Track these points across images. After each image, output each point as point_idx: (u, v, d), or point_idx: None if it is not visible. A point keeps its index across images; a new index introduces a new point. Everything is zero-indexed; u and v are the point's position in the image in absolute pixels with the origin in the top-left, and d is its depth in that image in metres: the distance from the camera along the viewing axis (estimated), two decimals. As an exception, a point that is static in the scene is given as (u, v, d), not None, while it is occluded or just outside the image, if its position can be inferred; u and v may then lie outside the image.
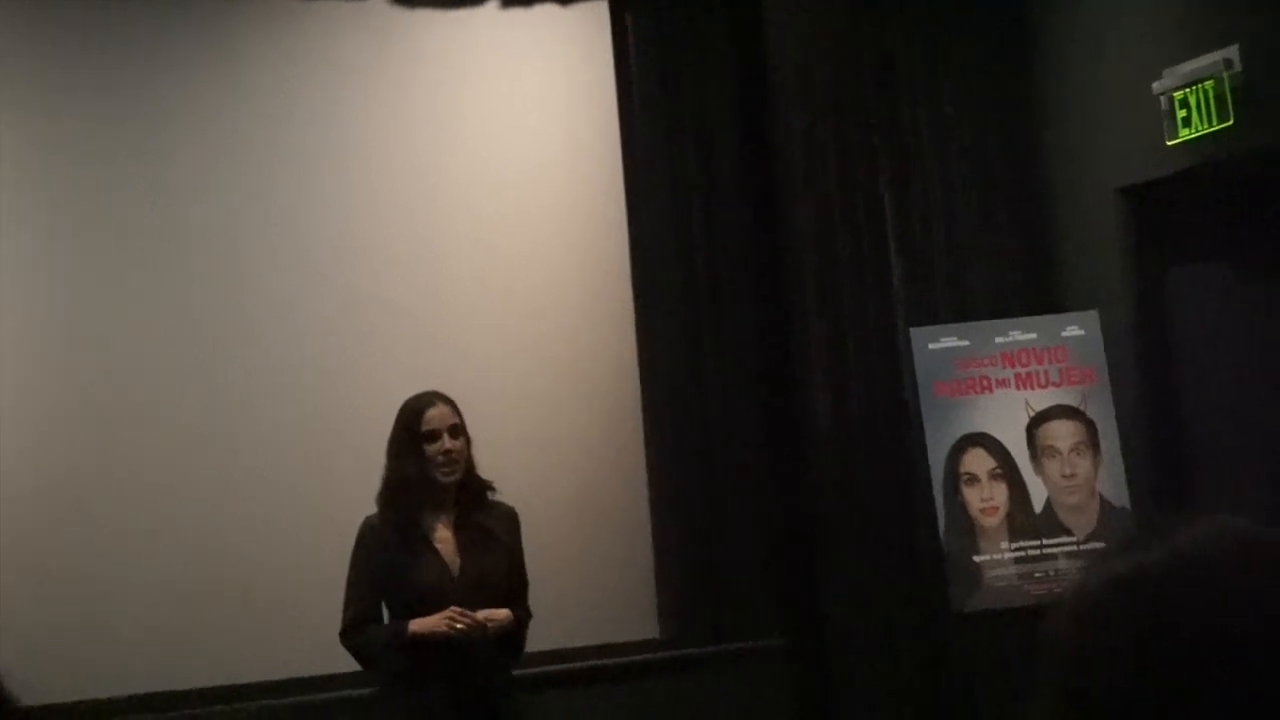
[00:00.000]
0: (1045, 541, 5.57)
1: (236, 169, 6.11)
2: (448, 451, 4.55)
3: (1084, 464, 5.62)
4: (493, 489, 4.67)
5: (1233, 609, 1.04)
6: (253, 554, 5.89)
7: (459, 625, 4.42)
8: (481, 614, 4.48)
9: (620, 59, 6.49)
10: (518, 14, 6.45)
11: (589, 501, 6.31)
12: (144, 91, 6.02)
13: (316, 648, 5.04)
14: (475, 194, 6.33)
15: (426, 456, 4.54)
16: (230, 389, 5.99)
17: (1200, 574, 1.07)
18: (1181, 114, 5.33)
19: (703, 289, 6.42)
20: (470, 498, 4.63)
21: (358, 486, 4.75)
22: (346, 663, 4.73)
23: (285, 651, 5.77)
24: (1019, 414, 5.67)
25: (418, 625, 4.46)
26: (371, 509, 4.63)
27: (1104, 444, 5.62)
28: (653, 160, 6.43)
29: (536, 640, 4.95)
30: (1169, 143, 5.44)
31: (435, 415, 4.57)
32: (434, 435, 4.55)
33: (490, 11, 6.43)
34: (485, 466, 4.69)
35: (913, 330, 5.92)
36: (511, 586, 4.66)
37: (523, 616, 4.69)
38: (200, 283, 6.02)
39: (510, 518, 4.72)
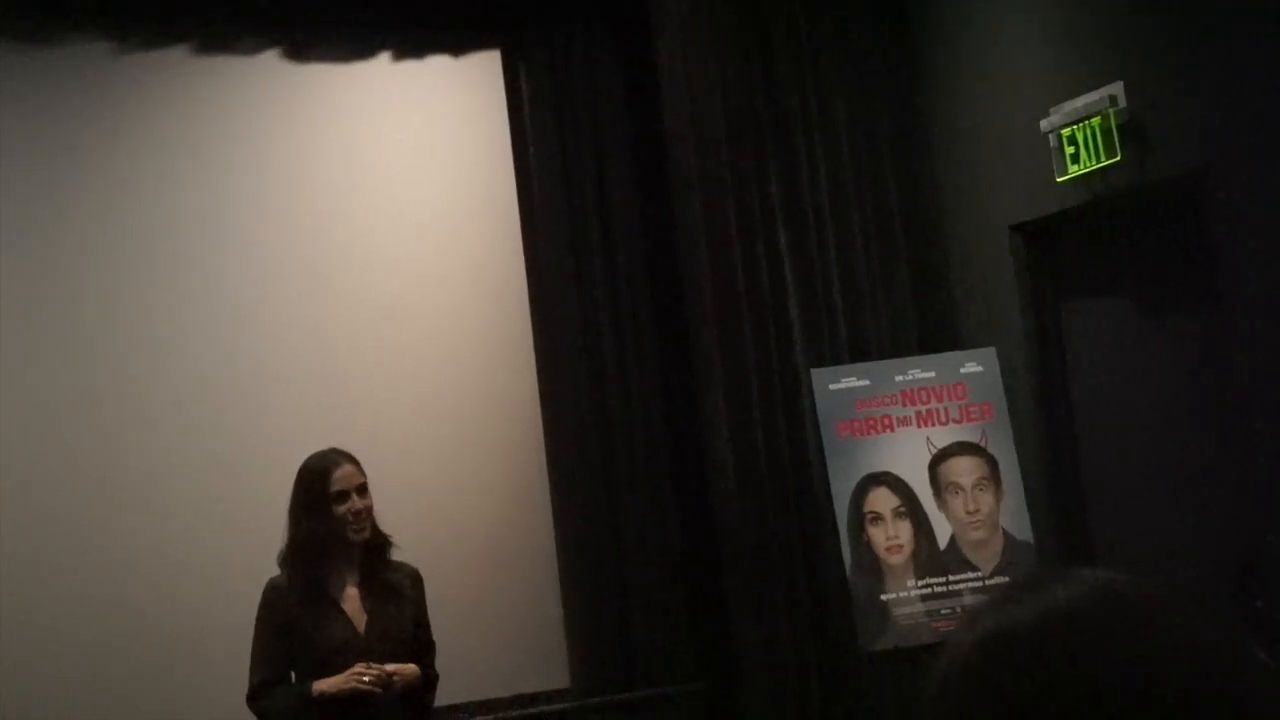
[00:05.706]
0: (951, 578, 5.59)
1: (130, 222, 6.02)
2: (358, 511, 4.49)
3: (986, 499, 5.65)
4: (394, 544, 4.61)
5: (1099, 666, 1.02)
6: (157, 617, 5.79)
7: (365, 679, 4.36)
8: (390, 667, 4.43)
9: (514, 106, 6.50)
10: (410, 65, 6.44)
11: (495, 550, 6.27)
12: (35, 146, 5.91)
13: (224, 714, 4.95)
14: (372, 244, 6.29)
15: (336, 517, 4.47)
16: (123, 444, 5.89)
17: (1068, 631, 1.04)
18: (1070, 150, 5.41)
19: (604, 334, 6.42)
20: (374, 554, 4.57)
21: (257, 543, 4.68)
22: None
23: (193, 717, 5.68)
24: (921, 452, 5.70)
25: (323, 684, 4.40)
26: (272, 569, 4.55)
27: (1005, 479, 5.66)
28: (549, 205, 6.43)
29: (447, 694, 4.90)
30: (1059, 179, 5.51)
31: (342, 475, 4.50)
32: (343, 496, 4.48)
33: (383, 64, 6.41)
34: (389, 521, 4.64)
35: (813, 371, 5.94)
36: (418, 647, 4.60)
37: (431, 676, 4.64)
38: (93, 335, 5.92)
39: (415, 578, 4.67)
